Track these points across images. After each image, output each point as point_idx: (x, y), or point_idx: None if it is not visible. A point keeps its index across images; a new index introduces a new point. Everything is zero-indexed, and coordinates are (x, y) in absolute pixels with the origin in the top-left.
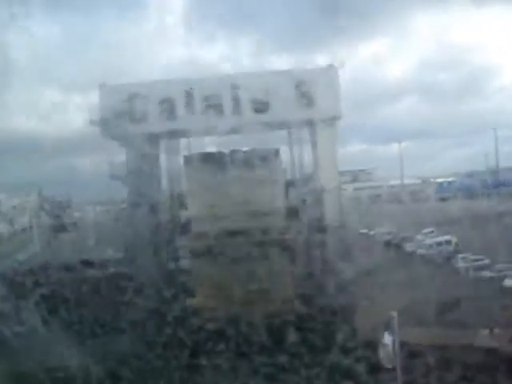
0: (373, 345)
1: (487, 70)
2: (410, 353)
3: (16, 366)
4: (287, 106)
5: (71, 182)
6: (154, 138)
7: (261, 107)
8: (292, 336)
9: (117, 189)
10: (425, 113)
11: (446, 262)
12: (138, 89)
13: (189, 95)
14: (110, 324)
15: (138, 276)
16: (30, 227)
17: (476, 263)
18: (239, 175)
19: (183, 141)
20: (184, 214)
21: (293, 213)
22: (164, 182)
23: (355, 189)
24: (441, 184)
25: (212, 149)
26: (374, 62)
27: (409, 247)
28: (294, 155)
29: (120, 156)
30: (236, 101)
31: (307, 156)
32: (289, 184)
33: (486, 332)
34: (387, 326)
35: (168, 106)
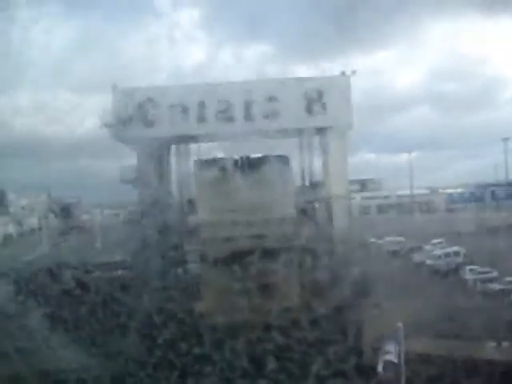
0: (377, 354)
1: (498, 81)
2: (414, 363)
3: (21, 367)
4: (298, 113)
5: (80, 185)
6: (164, 143)
7: (272, 114)
8: (295, 344)
9: (125, 192)
10: (434, 123)
11: (454, 273)
12: (150, 93)
13: (200, 100)
14: (115, 326)
15: (145, 279)
16: (39, 228)
17: (484, 275)
18: (249, 181)
19: (193, 146)
20: (193, 219)
21: (302, 220)
22: (174, 187)
23: (363, 198)
24: (451, 195)
25: (222, 154)
26: (385, 71)
27: (417, 257)
28: (304, 163)
29: (131, 160)
30: (247, 107)
31: (317, 164)
32: (298, 191)
33: (493, 345)
34: (391, 336)
35: (179, 111)
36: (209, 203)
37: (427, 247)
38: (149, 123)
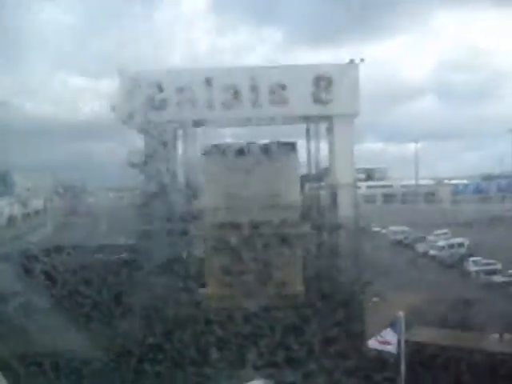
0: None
1: (506, 72)
2: (415, 352)
3: (24, 347)
4: (306, 100)
5: (86, 167)
6: (172, 127)
7: (279, 100)
8: (298, 327)
9: (131, 176)
10: (442, 113)
11: (458, 264)
12: (157, 76)
13: (208, 85)
14: (119, 310)
15: (149, 263)
16: (44, 210)
17: (488, 267)
18: (256, 167)
19: (200, 131)
20: (199, 204)
21: (307, 207)
22: (180, 171)
23: (368, 187)
24: (456, 186)
25: (229, 140)
26: (393, 60)
27: (421, 248)
28: (310, 150)
29: (138, 143)
30: (255, 93)
31: (324, 151)
32: (304, 178)
33: (495, 336)
34: (391, 326)
35: (187, 95)
36: (215, 188)
37: (431, 238)
38: (156, 107)
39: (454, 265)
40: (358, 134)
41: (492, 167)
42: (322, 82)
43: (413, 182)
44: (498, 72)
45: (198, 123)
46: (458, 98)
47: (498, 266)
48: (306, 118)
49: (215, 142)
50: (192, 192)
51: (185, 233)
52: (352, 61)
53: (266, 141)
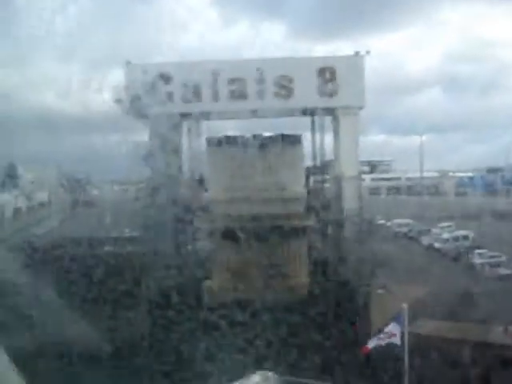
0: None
1: (511, 64)
2: (419, 345)
3: (34, 339)
4: (311, 92)
5: (91, 160)
6: (177, 119)
7: (284, 93)
8: (302, 320)
9: (135, 168)
10: (447, 106)
11: (463, 257)
12: (163, 69)
13: (213, 77)
14: (124, 302)
15: (154, 256)
16: (48, 202)
17: (492, 260)
18: (261, 160)
19: (205, 123)
20: (204, 196)
21: (312, 199)
22: (185, 164)
23: (373, 179)
24: (461, 178)
25: (233, 132)
26: (398, 52)
27: (425, 240)
28: (315, 142)
29: (143, 136)
30: (260, 85)
31: (328, 144)
32: (309, 171)
33: (500, 329)
34: (395, 318)
35: (192, 88)
36: (220, 181)
37: (436, 230)
38: (161, 99)
39: (458, 257)
40: (363, 126)
41: (497, 160)
42: (328, 74)
43: (417, 174)
44: (504, 64)
45: (203, 115)
46: (463, 91)
47: (503, 259)
48: (311, 111)
49: (220, 135)
50: (197, 184)
51: (190, 225)
52: (357, 53)
53: (271, 133)
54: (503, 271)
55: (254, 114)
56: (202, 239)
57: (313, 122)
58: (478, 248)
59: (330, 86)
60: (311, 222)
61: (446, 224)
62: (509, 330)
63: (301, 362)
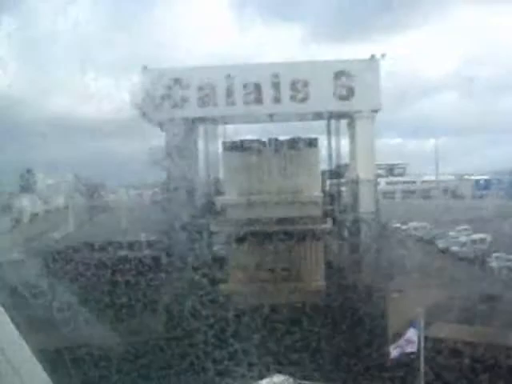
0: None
1: None
2: (436, 348)
3: (49, 342)
4: (327, 96)
5: (107, 165)
6: (193, 124)
7: (300, 97)
8: (318, 324)
9: (151, 173)
10: (463, 108)
11: (480, 260)
12: (179, 74)
13: (229, 82)
14: (141, 305)
15: (171, 260)
16: (65, 207)
17: (510, 263)
18: (277, 163)
19: (220, 127)
20: (220, 200)
21: (328, 203)
22: (201, 168)
23: (388, 183)
24: (477, 181)
25: (249, 136)
26: (414, 55)
27: (441, 244)
28: (331, 146)
29: (159, 141)
30: (276, 89)
31: (344, 147)
32: (325, 174)
33: None
34: (412, 324)
35: (208, 92)
36: (236, 184)
37: (452, 233)
38: (177, 104)
39: (475, 261)
40: (378, 129)
41: None
42: (343, 78)
43: (433, 177)
44: None
45: (219, 120)
46: (480, 93)
47: None
48: (327, 114)
49: (236, 139)
50: (213, 188)
51: (206, 229)
52: (373, 56)
53: (287, 137)
54: None
55: (270, 118)
56: (217, 243)
57: (328, 126)
58: (496, 251)
59: (345, 89)
60: (327, 225)
61: (462, 227)
62: None
63: (316, 366)
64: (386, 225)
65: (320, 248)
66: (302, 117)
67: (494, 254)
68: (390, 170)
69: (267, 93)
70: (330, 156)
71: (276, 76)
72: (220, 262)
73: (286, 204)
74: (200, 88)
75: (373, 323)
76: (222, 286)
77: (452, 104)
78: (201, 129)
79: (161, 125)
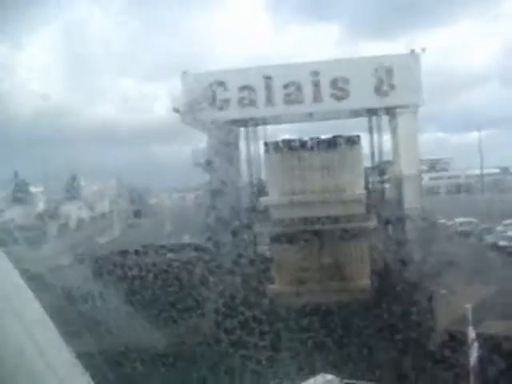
0: (450, 336)
1: None
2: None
3: (97, 346)
4: (367, 93)
5: (150, 169)
6: (234, 125)
7: (341, 94)
8: (366, 322)
9: (193, 176)
10: (506, 100)
11: None
12: (218, 76)
13: (268, 82)
14: (188, 307)
15: (216, 262)
16: (110, 212)
17: None
18: (319, 162)
19: (261, 128)
20: (264, 201)
21: (372, 200)
22: (243, 169)
23: (431, 178)
24: None
25: (290, 136)
26: (455, 47)
27: (489, 238)
28: (373, 142)
29: (200, 143)
30: (316, 88)
31: (387, 144)
32: (369, 171)
33: None
34: (466, 322)
35: (248, 94)
36: (279, 185)
37: (499, 228)
38: (218, 107)
39: None
40: (421, 124)
41: None
42: (384, 74)
43: (477, 171)
44: None
45: (259, 120)
46: None
47: None
48: (369, 111)
49: (277, 139)
50: (256, 189)
51: (251, 230)
52: (413, 51)
53: (327, 135)
54: None
55: (311, 116)
56: (262, 244)
57: (370, 123)
58: None
59: (386, 85)
60: (372, 223)
61: (510, 221)
62: None
63: (364, 366)
64: (431, 221)
65: (365, 246)
66: (343, 114)
67: None
68: (434, 164)
69: (307, 92)
70: (372, 153)
71: (316, 74)
72: (265, 262)
73: (329, 203)
74: (240, 89)
75: (421, 321)
76: (269, 287)
77: (495, 95)
78: (242, 130)
79: (202, 128)
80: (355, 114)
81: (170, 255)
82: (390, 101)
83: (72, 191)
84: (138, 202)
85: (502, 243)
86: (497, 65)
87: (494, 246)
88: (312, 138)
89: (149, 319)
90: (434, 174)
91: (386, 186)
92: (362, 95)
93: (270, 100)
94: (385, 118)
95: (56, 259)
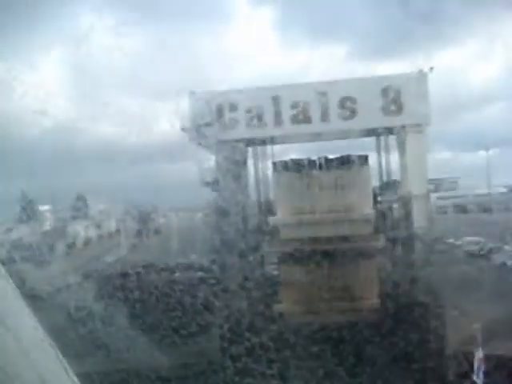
0: (456, 359)
1: None
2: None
3: (104, 364)
4: (375, 112)
5: (157, 188)
6: (242, 145)
7: (349, 114)
8: (374, 346)
9: (201, 195)
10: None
11: None
12: (226, 96)
13: (276, 102)
14: (195, 328)
15: (223, 281)
16: (117, 231)
17: None
18: (328, 182)
19: (269, 147)
20: (272, 220)
21: (380, 220)
22: (252, 189)
23: (439, 198)
24: None
25: (298, 155)
26: (460, 67)
27: (497, 258)
28: (381, 162)
29: (208, 163)
30: (323, 108)
31: (395, 163)
32: (376, 191)
33: None
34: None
35: (256, 113)
36: (287, 204)
37: (508, 248)
38: (226, 126)
39: None
40: (427, 143)
41: None
42: (391, 94)
43: (485, 190)
44: None
45: (267, 140)
46: None
47: None
48: (376, 130)
49: (285, 158)
50: (264, 208)
51: (258, 250)
52: (420, 70)
53: (335, 155)
54: None
55: (318, 136)
56: (270, 263)
57: (378, 142)
58: None
59: (394, 104)
60: (380, 242)
61: None
62: None
63: None
64: (439, 240)
65: (373, 266)
66: (350, 134)
67: None
68: (441, 184)
69: (315, 112)
70: (380, 172)
71: (323, 94)
72: (273, 282)
73: (337, 222)
74: (248, 110)
75: (430, 342)
76: (276, 306)
77: (501, 115)
78: (250, 149)
79: (210, 147)
80: (363, 133)
81: (176, 275)
82: (397, 120)
83: (79, 210)
84: (145, 221)
85: (510, 263)
86: (504, 85)
87: (503, 266)
88: (320, 158)
89: (152, 339)
90: (441, 194)
91: (395, 205)
92: (370, 115)
93: (277, 120)
94: (392, 138)
95: (63, 278)
